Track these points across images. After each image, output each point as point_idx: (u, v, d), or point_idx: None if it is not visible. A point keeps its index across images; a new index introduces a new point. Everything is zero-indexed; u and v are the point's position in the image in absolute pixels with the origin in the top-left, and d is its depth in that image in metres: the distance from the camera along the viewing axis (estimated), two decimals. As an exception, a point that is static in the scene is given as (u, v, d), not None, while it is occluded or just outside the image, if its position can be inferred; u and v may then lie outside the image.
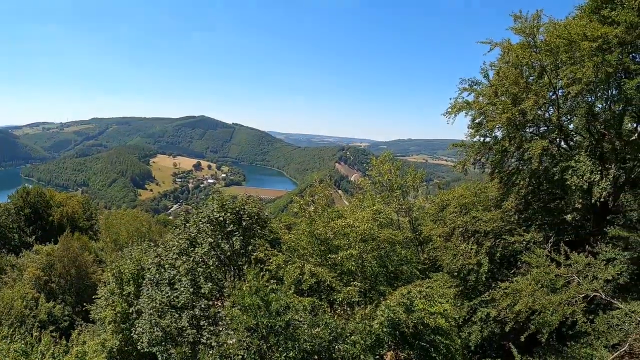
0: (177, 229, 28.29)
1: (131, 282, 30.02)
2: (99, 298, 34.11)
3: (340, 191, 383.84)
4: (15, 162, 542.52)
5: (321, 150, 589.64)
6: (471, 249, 27.42)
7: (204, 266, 24.42)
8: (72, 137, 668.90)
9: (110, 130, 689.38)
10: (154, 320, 24.17)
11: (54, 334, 35.43)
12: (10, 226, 68.00)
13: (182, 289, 23.82)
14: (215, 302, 25.22)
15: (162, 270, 26.12)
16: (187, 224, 26.80)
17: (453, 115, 27.64)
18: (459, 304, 25.47)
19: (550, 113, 25.91)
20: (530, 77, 25.98)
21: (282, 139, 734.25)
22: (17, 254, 57.78)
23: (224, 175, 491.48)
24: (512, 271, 27.00)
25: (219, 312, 23.24)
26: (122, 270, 30.83)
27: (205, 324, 22.71)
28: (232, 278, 24.75)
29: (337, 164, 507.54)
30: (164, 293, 24.65)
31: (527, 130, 27.05)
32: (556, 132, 26.15)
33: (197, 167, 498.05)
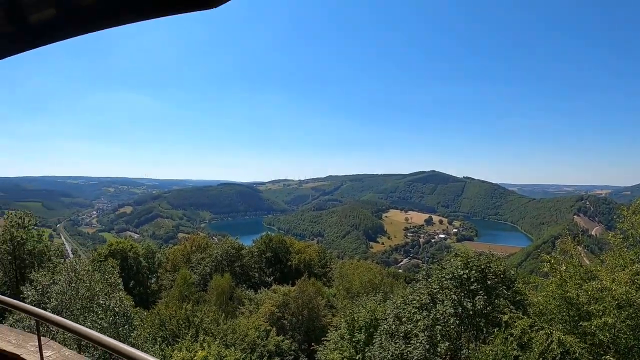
0: (418, 283, 27.48)
1: (363, 330, 29.88)
2: (328, 340, 34.57)
3: (579, 247, 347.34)
4: (259, 213, 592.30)
5: (557, 201, 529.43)
6: None
7: (444, 324, 23.11)
8: (309, 192, 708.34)
9: (344, 187, 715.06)
10: (383, 371, 23.50)
11: (280, 365, 37.24)
12: (253, 266, 73.66)
13: (417, 344, 22.79)
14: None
15: (399, 322, 25.41)
16: (428, 279, 25.86)
17: None
18: None
19: None
20: None
21: (514, 191, 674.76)
22: (255, 290, 62.87)
23: (456, 230, 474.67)
24: None
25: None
26: (355, 318, 30.86)
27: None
28: (468, 339, 23.16)
29: (575, 216, 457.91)
30: (397, 345, 23.89)
31: None
32: None
33: (429, 221, 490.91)
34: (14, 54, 6.77)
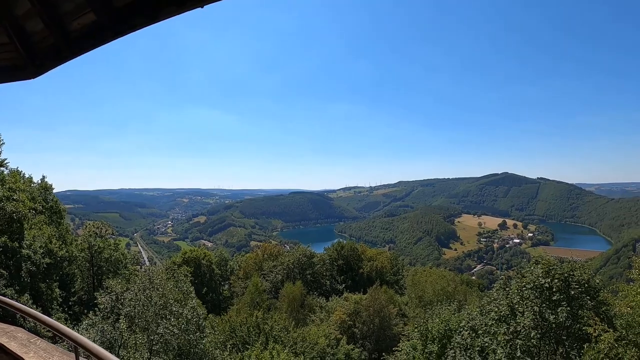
0: (495, 292, 26.23)
1: (436, 341, 28.94)
2: (399, 351, 33.96)
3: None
4: (330, 220, 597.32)
5: (638, 200, 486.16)
6: None
7: (525, 338, 21.74)
8: (380, 199, 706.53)
9: (415, 192, 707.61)
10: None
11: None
12: (324, 274, 73.79)
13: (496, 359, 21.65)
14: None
15: (474, 335, 24.29)
16: (506, 289, 24.60)
17: None
18: None
19: None
20: None
21: (592, 191, 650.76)
22: (327, 298, 63.12)
23: (531, 234, 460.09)
24: None
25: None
26: (428, 328, 29.97)
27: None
28: (548, 354, 21.77)
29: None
30: (471, 360, 22.84)
31: None
32: None
33: (502, 226, 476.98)
34: (60, 64, 6.62)
